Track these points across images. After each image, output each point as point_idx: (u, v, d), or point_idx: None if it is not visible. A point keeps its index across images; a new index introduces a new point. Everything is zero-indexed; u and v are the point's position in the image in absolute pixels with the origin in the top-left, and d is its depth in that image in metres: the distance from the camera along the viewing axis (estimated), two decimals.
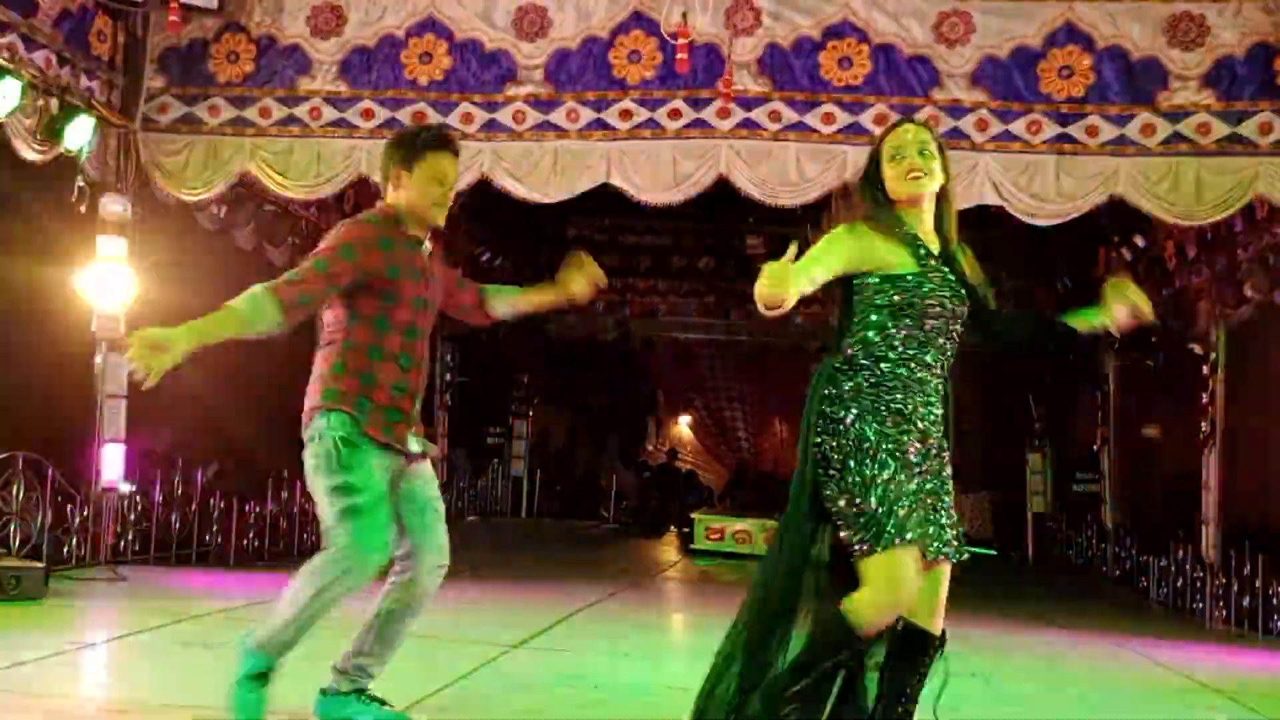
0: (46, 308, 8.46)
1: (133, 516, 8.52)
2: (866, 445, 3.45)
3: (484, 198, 9.14)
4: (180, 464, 9.05)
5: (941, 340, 3.59)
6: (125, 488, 8.53)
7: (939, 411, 3.63)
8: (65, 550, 7.87)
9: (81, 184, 8.20)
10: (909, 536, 3.38)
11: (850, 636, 3.37)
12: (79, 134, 7.82)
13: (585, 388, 21.09)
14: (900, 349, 3.53)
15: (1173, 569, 10.05)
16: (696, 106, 8.20)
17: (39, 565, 6.88)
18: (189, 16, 8.28)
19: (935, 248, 3.62)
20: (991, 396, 16.65)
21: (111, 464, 8.46)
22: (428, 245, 4.08)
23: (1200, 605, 9.45)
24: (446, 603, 6.39)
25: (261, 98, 8.51)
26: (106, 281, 8.36)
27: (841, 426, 3.49)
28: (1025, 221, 8.04)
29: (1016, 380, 16.04)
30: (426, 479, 4.09)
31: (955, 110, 7.94)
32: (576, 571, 10.46)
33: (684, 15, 8.01)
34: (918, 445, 3.52)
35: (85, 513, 8.10)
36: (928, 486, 3.52)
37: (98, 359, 8.48)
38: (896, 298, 3.51)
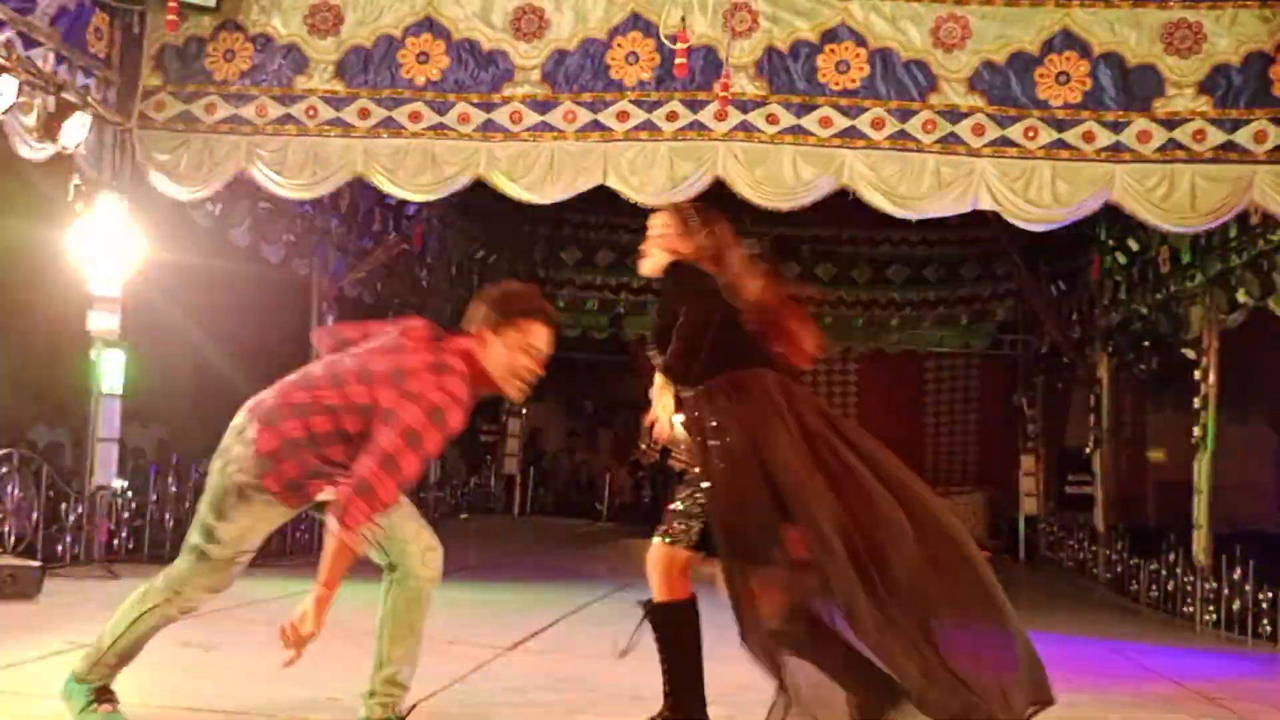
0: (43, 305, 8.47)
1: (126, 515, 8.51)
2: None
3: (478, 196, 9.14)
4: (175, 462, 9.06)
5: None
6: (118, 485, 8.54)
7: None
8: (59, 549, 7.87)
9: (78, 182, 8.21)
10: None
11: None
12: (75, 132, 7.82)
13: (578, 386, 21.08)
14: None
15: (1163, 572, 10.07)
16: (694, 108, 8.22)
17: (34, 564, 6.88)
18: (186, 15, 8.27)
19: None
20: (985, 398, 16.71)
21: (105, 462, 8.46)
22: None
23: (1191, 609, 9.48)
24: (439, 605, 6.38)
25: (258, 96, 8.51)
26: (101, 277, 8.37)
27: None
28: (1020, 226, 8.06)
29: (1009, 381, 16.09)
30: None
31: (952, 115, 7.97)
32: (570, 571, 10.47)
33: (682, 18, 8.02)
34: None
35: (79, 511, 8.10)
36: None
37: (92, 356, 8.47)
38: None
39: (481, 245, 15.13)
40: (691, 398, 4.02)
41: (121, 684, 4.20)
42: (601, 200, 9.02)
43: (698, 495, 4.03)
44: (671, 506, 4.11)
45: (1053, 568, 14.10)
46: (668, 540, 4.05)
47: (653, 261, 4.18)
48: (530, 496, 17.14)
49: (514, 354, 3.64)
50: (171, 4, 7.98)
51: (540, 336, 3.67)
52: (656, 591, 4.06)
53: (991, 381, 16.68)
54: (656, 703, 5.30)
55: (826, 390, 17.78)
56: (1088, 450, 13.37)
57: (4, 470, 7.50)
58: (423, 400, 3.45)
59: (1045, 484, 15.30)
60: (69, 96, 7.83)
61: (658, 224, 4.21)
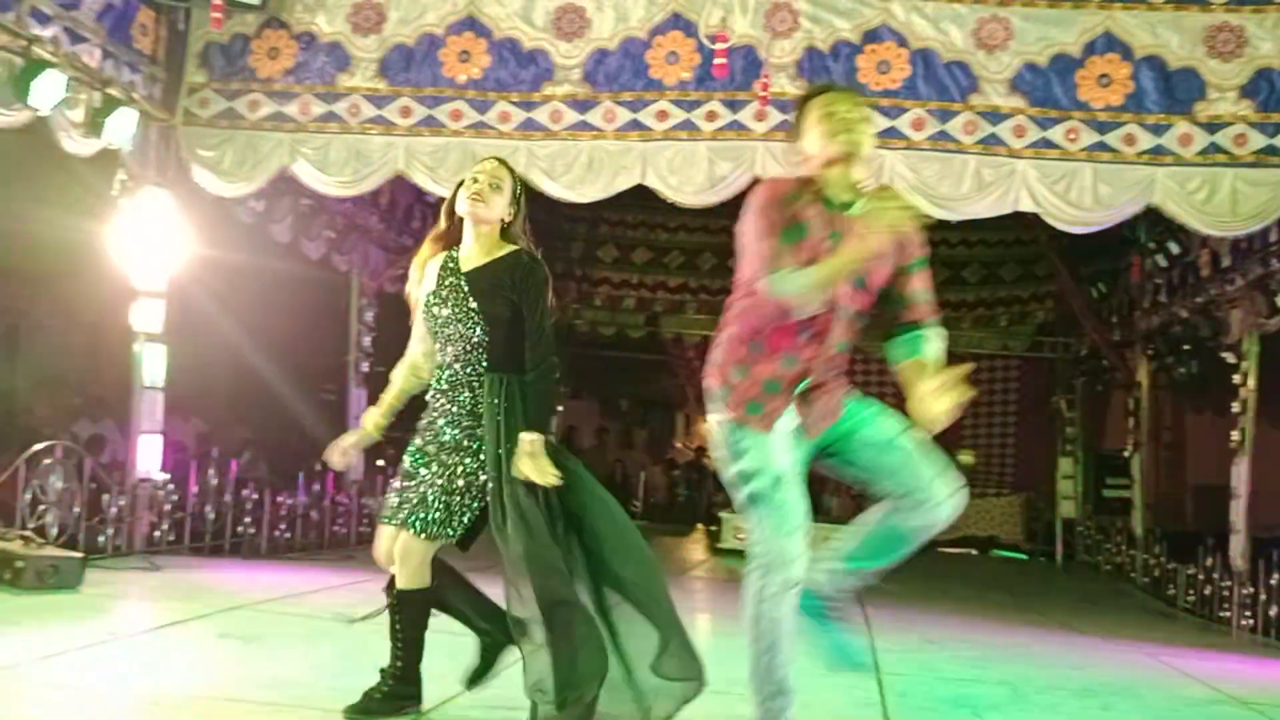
0: (85, 298, 8.57)
1: (168, 507, 8.61)
2: None
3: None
4: (215, 455, 9.16)
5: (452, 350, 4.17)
6: (160, 478, 8.64)
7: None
8: (101, 540, 7.97)
9: (123, 177, 8.31)
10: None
11: None
12: (121, 127, 7.90)
13: (614, 384, 21.13)
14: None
15: (1200, 577, 10.00)
16: (733, 108, 8.21)
17: (77, 555, 6.95)
18: (231, 12, 8.33)
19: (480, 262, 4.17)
20: (1024, 400, 16.60)
21: (147, 455, 8.56)
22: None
23: (1228, 613, 9.41)
24: None
25: (301, 94, 8.58)
26: (145, 271, 8.47)
27: None
28: (1060, 229, 8.02)
29: (1048, 384, 16.00)
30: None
31: (993, 116, 7.93)
32: None
33: (723, 18, 8.02)
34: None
35: (121, 503, 8.20)
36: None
37: (135, 349, 8.58)
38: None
39: None
40: None
41: (156, 674, 4.28)
42: (639, 199, 9.04)
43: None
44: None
45: (1090, 571, 14.03)
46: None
47: None
48: None
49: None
50: (216, 1, 8.04)
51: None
52: (410, 579, 4.17)
53: (1030, 384, 16.57)
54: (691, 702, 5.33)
55: (863, 391, 17.72)
56: (1126, 453, 13.28)
57: (47, 462, 7.59)
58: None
59: (1083, 487, 15.21)
60: (115, 92, 7.92)
61: None
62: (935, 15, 8.01)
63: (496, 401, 4.07)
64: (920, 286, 3.78)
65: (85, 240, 8.55)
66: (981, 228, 12.44)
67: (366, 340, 11.78)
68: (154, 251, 8.50)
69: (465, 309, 4.16)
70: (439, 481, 4.11)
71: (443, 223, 4.31)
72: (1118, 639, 8.29)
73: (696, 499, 17.95)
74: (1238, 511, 9.62)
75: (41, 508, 7.47)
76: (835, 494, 16.99)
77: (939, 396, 3.52)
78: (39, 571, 6.57)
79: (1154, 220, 8.42)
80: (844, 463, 3.80)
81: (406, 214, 11.86)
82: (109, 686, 4.19)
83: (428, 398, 4.29)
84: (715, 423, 3.77)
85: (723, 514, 13.76)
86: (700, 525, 15.98)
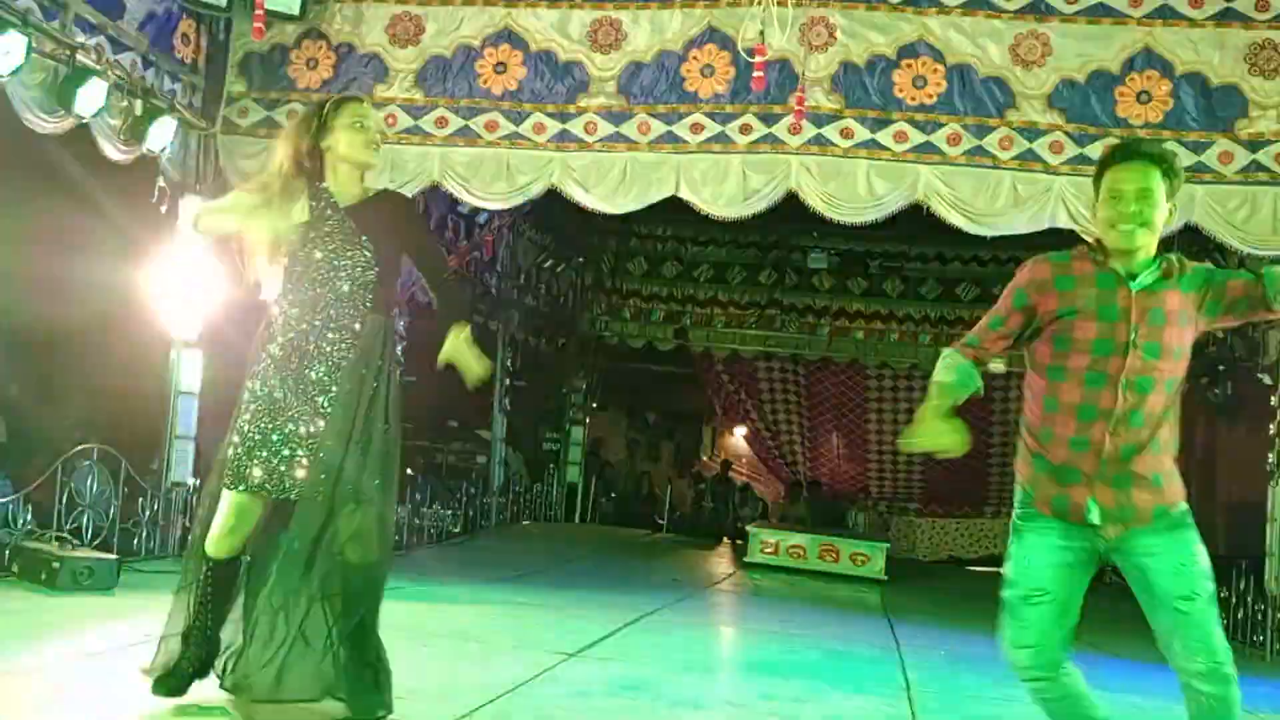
0: (123, 305, 8.62)
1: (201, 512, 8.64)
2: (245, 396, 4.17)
3: (547, 205, 9.21)
4: None
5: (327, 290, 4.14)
6: (192, 483, 8.68)
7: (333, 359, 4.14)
8: (135, 543, 8.03)
9: (162, 184, 8.38)
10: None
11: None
12: (161, 135, 7.97)
13: (642, 397, 21.14)
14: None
15: (1234, 600, 9.91)
16: (768, 122, 8.21)
17: (111, 557, 7.02)
18: (271, 22, 8.40)
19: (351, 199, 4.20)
20: None
21: (181, 460, 8.62)
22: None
23: (1261, 638, 9.32)
24: (502, 608, 6.46)
25: None
26: (183, 279, 8.52)
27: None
28: None
29: None
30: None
31: (1030, 132, 7.90)
32: (632, 581, 10.50)
33: (760, 31, 8.03)
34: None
35: (155, 507, 8.26)
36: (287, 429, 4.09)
37: (172, 356, 8.63)
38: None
39: (550, 254, 15.24)
40: None
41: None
42: (670, 211, 9.05)
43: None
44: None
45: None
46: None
47: None
48: (591, 505, 17.20)
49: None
50: (258, 12, 8.11)
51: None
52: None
53: None
54: (714, 714, 5.34)
55: (892, 406, 17.71)
56: None
57: (84, 465, 7.66)
58: None
59: None
60: (156, 101, 8.00)
61: None
62: (973, 31, 7.99)
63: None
64: None
65: (124, 247, 8.61)
66: (1012, 244, 12.39)
67: (398, 350, 11.80)
68: (191, 259, 8.54)
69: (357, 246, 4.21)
70: None
71: (304, 164, 4.24)
72: (1148, 661, 8.21)
73: (722, 512, 17.92)
74: (1273, 534, 9.53)
75: (77, 510, 7.53)
76: (862, 510, 16.96)
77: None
78: (74, 573, 6.63)
79: (1189, 239, 8.34)
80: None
81: (439, 224, 11.91)
82: (141, 687, 4.22)
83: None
84: None
85: (750, 528, 13.75)
86: (726, 539, 15.95)
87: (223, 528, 4.16)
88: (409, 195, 4.30)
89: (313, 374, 4.14)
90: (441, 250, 4.18)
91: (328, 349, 4.16)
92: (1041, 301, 3.56)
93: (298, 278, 4.21)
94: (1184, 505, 3.52)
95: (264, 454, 4.10)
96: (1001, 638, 3.57)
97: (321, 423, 4.11)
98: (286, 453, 4.09)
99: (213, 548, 4.18)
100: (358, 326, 4.18)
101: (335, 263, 4.18)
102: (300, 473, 4.09)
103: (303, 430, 4.11)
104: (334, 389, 4.13)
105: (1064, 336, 3.51)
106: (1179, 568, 3.48)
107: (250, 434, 4.13)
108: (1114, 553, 3.54)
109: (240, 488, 4.12)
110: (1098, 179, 3.66)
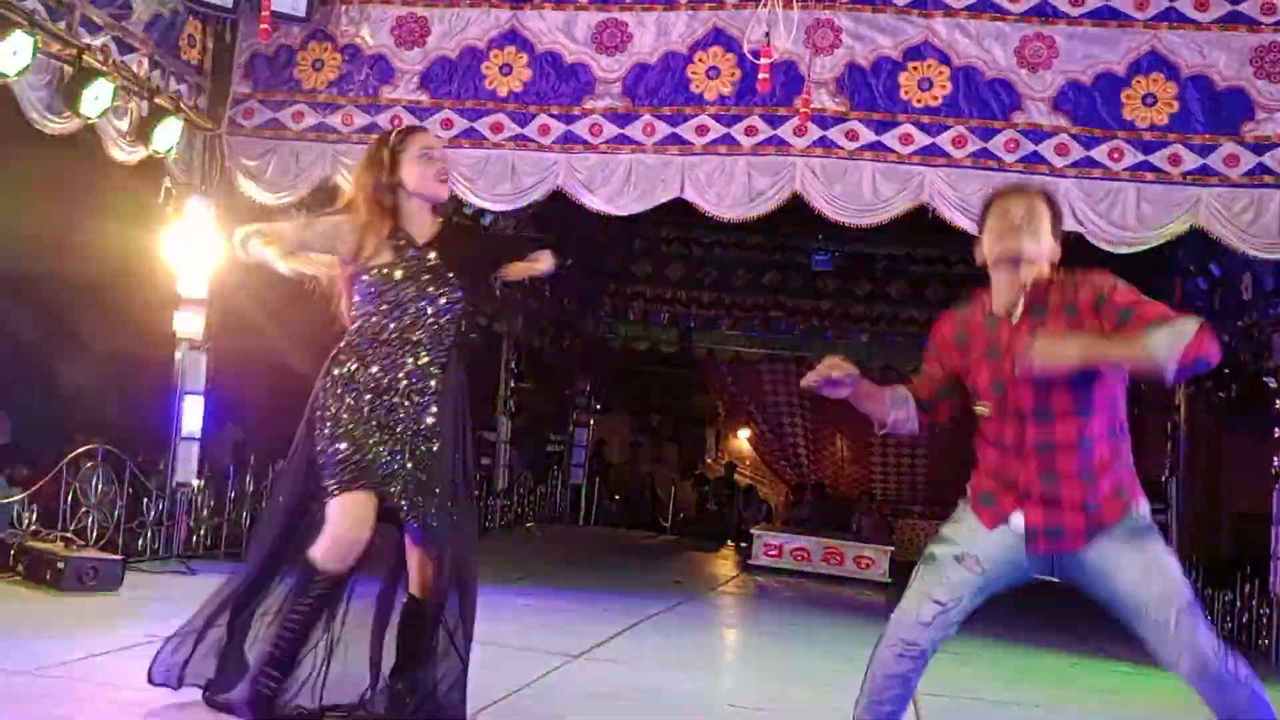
0: (128, 305, 8.65)
1: (205, 512, 8.67)
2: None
3: (551, 207, 9.20)
4: (251, 462, 9.19)
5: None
6: (197, 484, 8.69)
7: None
8: (140, 543, 8.04)
9: (168, 185, 8.40)
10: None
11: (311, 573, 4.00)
12: (167, 136, 7.98)
13: (646, 399, 21.14)
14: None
15: (1239, 604, 9.90)
16: (773, 124, 8.20)
17: (116, 557, 7.03)
18: (278, 24, 8.41)
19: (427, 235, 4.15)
20: None
21: (186, 460, 8.62)
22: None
23: (1266, 642, 9.30)
24: (508, 610, 6.48)
25: (345, 106, 8.63)
26: (188, 279, 8.54)
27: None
28: (1102, 249, 7.97)
29: None
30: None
31: (1035, 135, 7.89)
32: (636, 582, 10.50)
33: (766, 34, 8.03)
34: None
35: (160, 507, 8.27)
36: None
37: (177, 355, 8.64)
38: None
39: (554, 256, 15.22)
40: None
41: None
42: (674, 213, 9.05)
43: None
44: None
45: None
46: None
47: None
48: (595, 507, 17.21)
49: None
50: (265, 14, 8.11)
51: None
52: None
53: None
54: (724, 715, 5.35)
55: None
56: (1163, 478, 13.16)
57: (89, 465, 7.67)
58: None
59: None
60: (162, 101, 8.00)
61: None
62: (978, 33, 7.98)
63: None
64: None
65: (131, 247, 8.62)
66: None
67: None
68: (197, 259, 8.56)
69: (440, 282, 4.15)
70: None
71: (385, 201, 4.11)
72: (1154, 665, 8.20)
73: (726, 514, 17.92)
74: (1277, 538, 9.52)
75: (82, 510, 7.54)
76: (865, 513, 16.94)
77: None
78: (79, 573, 6.64)
79: (1194, 241, 8.33)
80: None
81: None
82: (145, 687, 4.22)
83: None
84: None
85: (754, 530, 13.75)
86: (730, 541, 15.95)
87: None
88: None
89: (402, 411, 4.11)
90: (510, 243, 4.20)
91: (418, 384, 4.12)
92: (946, 357, 3.56)
93: (384, 315, 4.13)
94: (1138, 514, 3.44)
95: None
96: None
97: (410, 464, 4.09)
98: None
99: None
100: (444, 360, 4.16)
101: (419, 302, 4.12)
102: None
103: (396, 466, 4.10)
104: (426, 422, 4.12)
105: (970, 385, 3.50)
106: (1142, 577, 3.39)
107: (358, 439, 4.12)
108: (1063, 569, 3.52)
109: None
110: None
